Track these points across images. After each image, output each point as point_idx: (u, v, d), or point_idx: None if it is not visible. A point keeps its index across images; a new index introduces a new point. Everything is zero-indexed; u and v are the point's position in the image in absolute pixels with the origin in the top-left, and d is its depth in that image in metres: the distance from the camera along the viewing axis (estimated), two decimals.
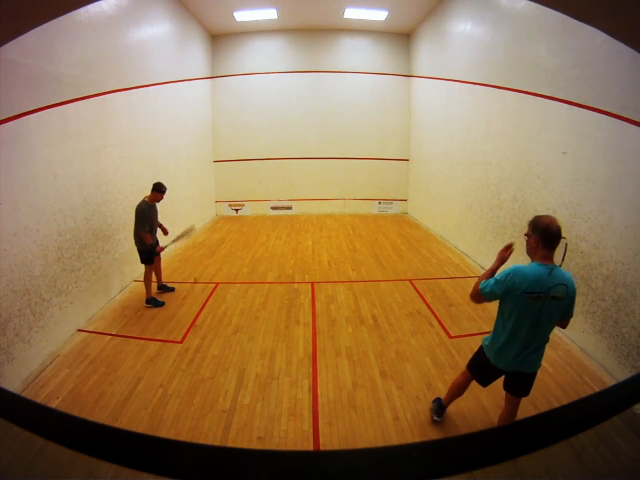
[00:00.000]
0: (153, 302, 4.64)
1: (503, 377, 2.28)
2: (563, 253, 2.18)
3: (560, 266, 2.12)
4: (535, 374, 2.21)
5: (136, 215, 4.46)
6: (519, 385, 2.22)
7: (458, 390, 2.56)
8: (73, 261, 3.97)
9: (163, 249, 4.72)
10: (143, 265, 5.89)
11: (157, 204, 4.67)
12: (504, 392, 2.29)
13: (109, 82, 4.76)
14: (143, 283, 5.49)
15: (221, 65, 9.68)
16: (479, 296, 2.11)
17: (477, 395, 2.90)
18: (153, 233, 4.68)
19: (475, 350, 2.42)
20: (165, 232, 4.85)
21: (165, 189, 4.61)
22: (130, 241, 5.30)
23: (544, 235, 1.95)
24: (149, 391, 3.00)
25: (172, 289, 5.05)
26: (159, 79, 6.37)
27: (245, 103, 9.81)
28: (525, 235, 2.06)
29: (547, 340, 2.14)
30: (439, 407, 2.68)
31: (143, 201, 4.52)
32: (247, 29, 9.22)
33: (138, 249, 4.65)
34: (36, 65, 3.44)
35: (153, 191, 4.57)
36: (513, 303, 2.03)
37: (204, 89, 9.16)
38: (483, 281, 2.09)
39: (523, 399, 2.28)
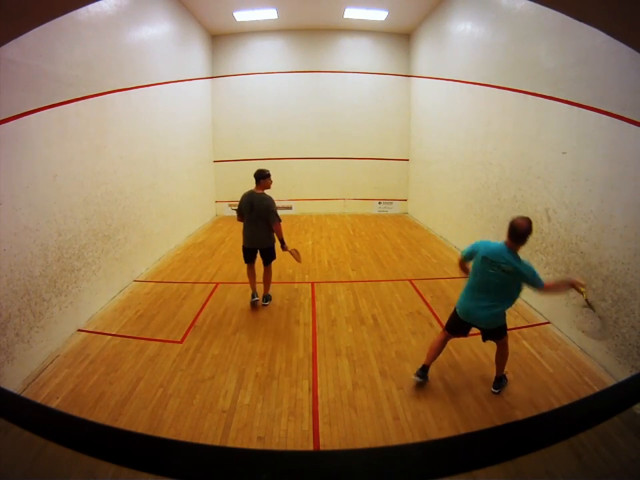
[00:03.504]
0: (265, 298, 4.55)
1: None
2: (588, 305, 2.78)
3: (589, 306, 2.76)
4: (493, 329, 2.83)
5: None
6: (487, 335, 2.88)
7: (437, 350, 3.00)
8: (72, 261, 3.96)
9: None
10: (142, 265, 5.96)
11: (260, 194, 4.21)
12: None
13: (108, 82, 4.76)
14: (143, 283, 5.52)
15: (221, 65, 9.68)
16: (460, 259, 2.96)
17: (477, 395, 2.90)
18: (247, 226, 4.30)
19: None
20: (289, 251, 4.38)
21: (259, 175, 4.20)
22: (129, 241, 5.30)
23: (511, 230, 2.62)
24: (149, 391, 3.00)
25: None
26: (159, 78, 6.37)
27: (245, 103, 9.81)
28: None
29: (498, 303, 2.72)
30: (421, 368, 3.00)
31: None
32: (247, 28, 9.21)
33: None
34: (36, 64, 3.44)
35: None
36: (476, 262, 2.73)
37: (204, 89, 9.16)
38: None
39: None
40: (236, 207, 4.31)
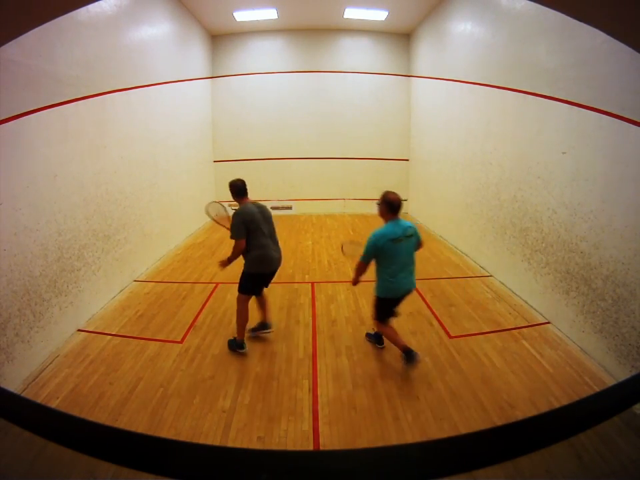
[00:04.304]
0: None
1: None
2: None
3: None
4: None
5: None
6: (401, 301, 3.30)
7: (394, 335, 3.29)
8: (73, 261, 3.97)
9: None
10: (142, 265, 5.94)
11: (254, 206, 3.43)
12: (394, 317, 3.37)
13: (108, 82, 4.75)
14: (143, 283, 5.51)
15: (221, 65, 9.68)
16: (362, 266, 3.13)
17: (477, 395, 2.90)
18: (267, 246, 3.45)
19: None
20: None
21: (244, 185, 3.45)
22: (129, 241, 5.30)
23: (389, 205, 3.05)
24: (149, 391, 3.00)
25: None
26: (159, 78, 6.37)
27: (245, 102, 9.81)
28: (377, 203, 3.12)
29: (414, 263, 3.21)
30: (407, 352, 3.19)
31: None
32: (247, 28, 9.21)
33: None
34: (36, 65, 3.44)
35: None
36: (388, 251, 3.02)
37: (204, 89, 9.16)
38: (361, 256, 3.13)
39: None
40: (236, 208, 3.39)
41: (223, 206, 3.95)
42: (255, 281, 3.46)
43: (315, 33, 9.54)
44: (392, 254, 3.04)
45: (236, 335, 3.53)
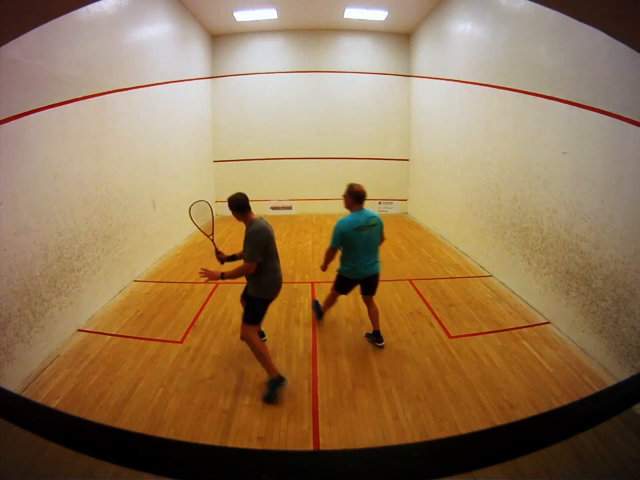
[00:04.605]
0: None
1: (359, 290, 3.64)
2: None
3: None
4: (378, 275, 3.53)
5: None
6: (371, 285, 3.54)
7: (331, 303, 3.84)
8: (73, 261, 3.96)
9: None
10: (143, 265, 5.95)
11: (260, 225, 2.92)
12: (363, 299, 3.66)
13: (108, 82, 4.76)
14: (143, 283, 5.51)
15: (221, 65, 9.68)
16: (330, 252, 3.40)
17: (477, 395, 2.90)
18: (278, 266, 3.07)
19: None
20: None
21: (233, 200, 2.95)
22: (129, 241, 5.30)
23: (355, 196, 3.29)
24: (149, 391, 3.00)
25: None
26: (159, 79, 6.37)
27: (245, 102, 9.81)
28: (343, 195, 3.36)
29: (378, 252, 3.47)
30: (319, 313, 4.04)
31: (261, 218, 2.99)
32: (247, 29, 9.22)
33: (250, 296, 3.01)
34: (36, 65, 3.44)
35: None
36: (352, 239, 3.27)
37: (204, 89, 9.17)
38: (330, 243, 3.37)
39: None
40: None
41: (210, 206, 3.83)
42: (266, 307, 3.02)
43: (315, 32, 9.55)
44: (356, 241, 3.28)
45: (269, 376, 2.90)
